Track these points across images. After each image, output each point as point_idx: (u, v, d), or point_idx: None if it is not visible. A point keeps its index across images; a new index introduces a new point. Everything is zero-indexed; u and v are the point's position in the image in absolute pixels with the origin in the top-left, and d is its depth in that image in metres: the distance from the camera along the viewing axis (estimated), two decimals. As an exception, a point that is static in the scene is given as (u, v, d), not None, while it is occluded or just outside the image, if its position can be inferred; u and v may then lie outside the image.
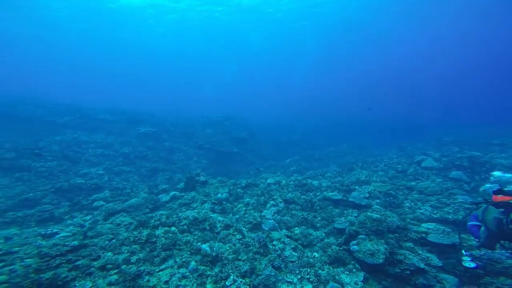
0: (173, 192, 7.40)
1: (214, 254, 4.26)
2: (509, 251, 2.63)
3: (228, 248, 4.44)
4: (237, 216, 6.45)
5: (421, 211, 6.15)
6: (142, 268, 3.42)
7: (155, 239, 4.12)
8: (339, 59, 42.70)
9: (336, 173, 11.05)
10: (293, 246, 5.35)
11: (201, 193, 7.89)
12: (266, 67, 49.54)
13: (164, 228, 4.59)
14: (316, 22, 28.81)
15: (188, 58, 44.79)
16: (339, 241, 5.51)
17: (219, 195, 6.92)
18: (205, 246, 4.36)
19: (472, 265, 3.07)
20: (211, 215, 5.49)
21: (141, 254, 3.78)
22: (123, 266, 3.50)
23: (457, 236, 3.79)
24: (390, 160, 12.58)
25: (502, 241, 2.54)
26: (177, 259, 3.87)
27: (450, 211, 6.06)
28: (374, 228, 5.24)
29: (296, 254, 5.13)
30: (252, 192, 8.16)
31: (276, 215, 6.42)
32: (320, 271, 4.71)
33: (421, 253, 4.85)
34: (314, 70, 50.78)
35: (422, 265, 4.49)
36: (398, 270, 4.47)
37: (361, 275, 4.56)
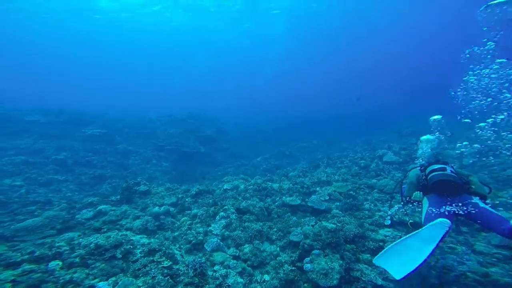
0: (102, 206, 6.07)
1: (118, 297, 3.21)
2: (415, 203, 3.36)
3: (140, 284, 3.40)
4: (177, 233, 5.42)
5: (380, 213, 5.73)
6: None
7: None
8: (313, 54, 42.72)
9: (300, 172, 10.52)
10: (239, 269, 4.51)
11: (140, 205, 6.67)
12: (237, 63, 47.96)
13: (28, 267, 3.33)
14: (288, 13, 27.99)
15: (153, 53, 41.33)
16: (293, 258, 4.80)
17: (156, 208, 5.80)
18: (102, 284, 3.27)
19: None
20: (131, 238, 4.39)
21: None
22: None
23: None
24: (355, 155, 12.44)
25: (417, 191, 3.22)
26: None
27: (408, 211, 5.71)
28: (329, 240, 4.62)
29: (243, 280, 4.29)
30: (203, 201, 7.16)
31: (224, 230, 5.51)
32: (266, 302, 3.93)
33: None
34: (285, 66, 50.49)
35: (379, 281, 3.96)
36: (354, 291, 3.88)
37: (314, 301, 3.89)
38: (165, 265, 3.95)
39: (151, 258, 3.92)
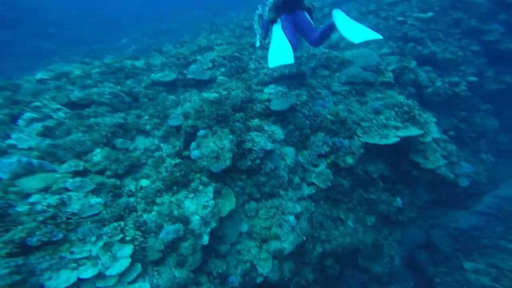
0: None
1: None
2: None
3: None
4: None
5: (264, 70, 5.00)
6: None
7: None
8: None
9: (177, 44, 7.88)
10: (91, 187, 2.95)
11: None
12: None
13: None
14: None
15: None
16: (177, 148, 3.62)
17: None
18: None
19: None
20: None
21: None
22: None
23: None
24: (239, 18, 10.57)
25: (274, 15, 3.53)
26: None
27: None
28: (215, 114, 3.52)
29: (101, 199, 2.85)
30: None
31: (44, 138, 3.28)
32: (146, 215, 2.86)
33: (267, 128, 3.88)
34: None
35: (269, 146, 3.55)
36: (249, 163, 3.37)
37: (210, 190, 3.17)
38: None
39: None
